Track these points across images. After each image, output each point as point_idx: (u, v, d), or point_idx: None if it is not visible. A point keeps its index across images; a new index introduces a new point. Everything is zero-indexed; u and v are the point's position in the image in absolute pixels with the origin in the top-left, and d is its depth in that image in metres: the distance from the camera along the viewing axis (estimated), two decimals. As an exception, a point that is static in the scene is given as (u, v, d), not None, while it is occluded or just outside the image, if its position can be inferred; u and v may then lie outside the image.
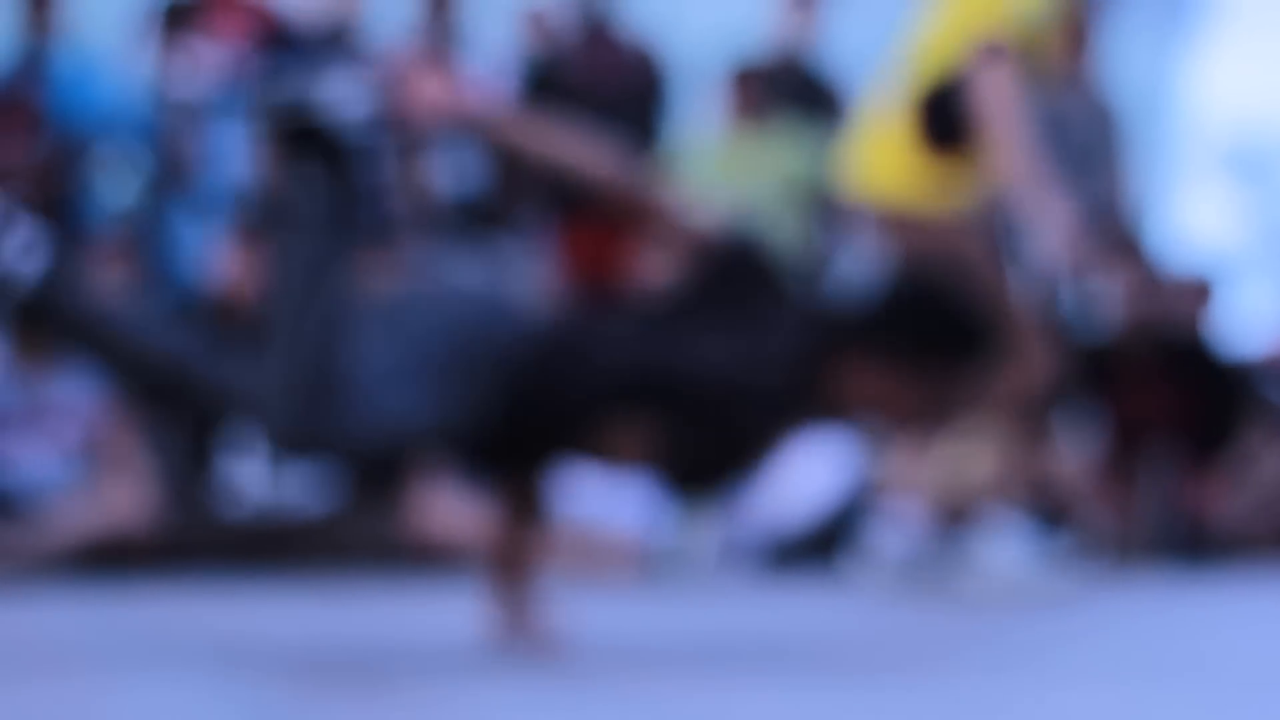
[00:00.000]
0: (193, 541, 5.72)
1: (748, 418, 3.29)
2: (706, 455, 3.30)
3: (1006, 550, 5.20)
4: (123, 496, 5.70)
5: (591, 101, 7.26)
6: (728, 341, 3.28)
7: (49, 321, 3.31)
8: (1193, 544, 6.07)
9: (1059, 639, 3.57)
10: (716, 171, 7.12)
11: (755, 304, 3.32)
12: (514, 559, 3.50)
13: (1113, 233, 7.72)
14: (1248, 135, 26.44)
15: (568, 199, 7.30)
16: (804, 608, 4.55)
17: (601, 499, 6.05)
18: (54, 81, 7.16)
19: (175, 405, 3.48)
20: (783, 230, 7.14)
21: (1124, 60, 10.40)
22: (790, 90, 7.55)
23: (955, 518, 5.33)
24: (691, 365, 3.27)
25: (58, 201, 6.99)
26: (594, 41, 7.38)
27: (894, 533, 5.27)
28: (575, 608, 4.31)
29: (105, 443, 5.85)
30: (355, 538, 5.75)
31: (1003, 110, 4.74)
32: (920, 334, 3.31)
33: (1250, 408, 6.50)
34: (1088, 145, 7.78)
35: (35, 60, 7.18)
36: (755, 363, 3.28)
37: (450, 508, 5.75)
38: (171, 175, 7.08)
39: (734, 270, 3.35)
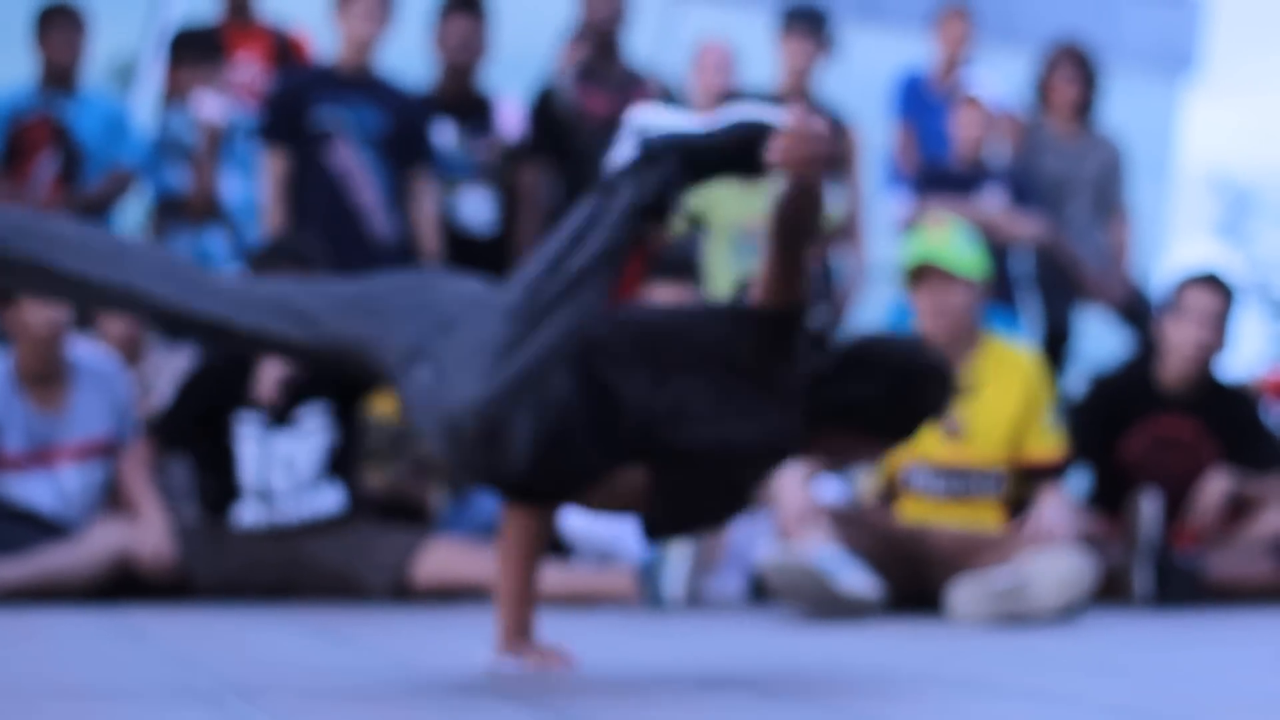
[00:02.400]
0: (202, 579, 5.78)
1: (733, 477, 3.44)
2: (688, 507, 3.45)
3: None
4: (141, 531, 5.74)
5: (614, 132, 7.33)
6: (728, 404, 3.38)
7: None
8: (1190, 587, 6.09)
9: (1051, 677, 3.62)
10: (732, 194, 7.19)
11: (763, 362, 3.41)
12: (525, 584, 3.63)
13: (1121, 279, 7.80)
14: (1233, 181, 26.53)
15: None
16: (785, 634, 4.60)
17: (604, 523, 6.12)
18: (76, 109, 7.18)
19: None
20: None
21: (1125, 112, 10.48)
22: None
23: None
24: (689, 429, 3.36)
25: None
26: (609, 72, 7.42)
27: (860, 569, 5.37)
28: (574, 633, 4.38)
29: (122, 478, 5.88)
30: (363, 576, 5.81)
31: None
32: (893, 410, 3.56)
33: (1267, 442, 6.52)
34: (1100, 190, 7.88)
35: (57, 90, 7.19)
36: (751, 429, 3.38)
37: (451, 550, 5.83)
38: (194, 199, 7.10)
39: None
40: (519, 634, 3.63)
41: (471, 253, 7.11)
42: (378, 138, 6.92)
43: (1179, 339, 6.39)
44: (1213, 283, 6.42)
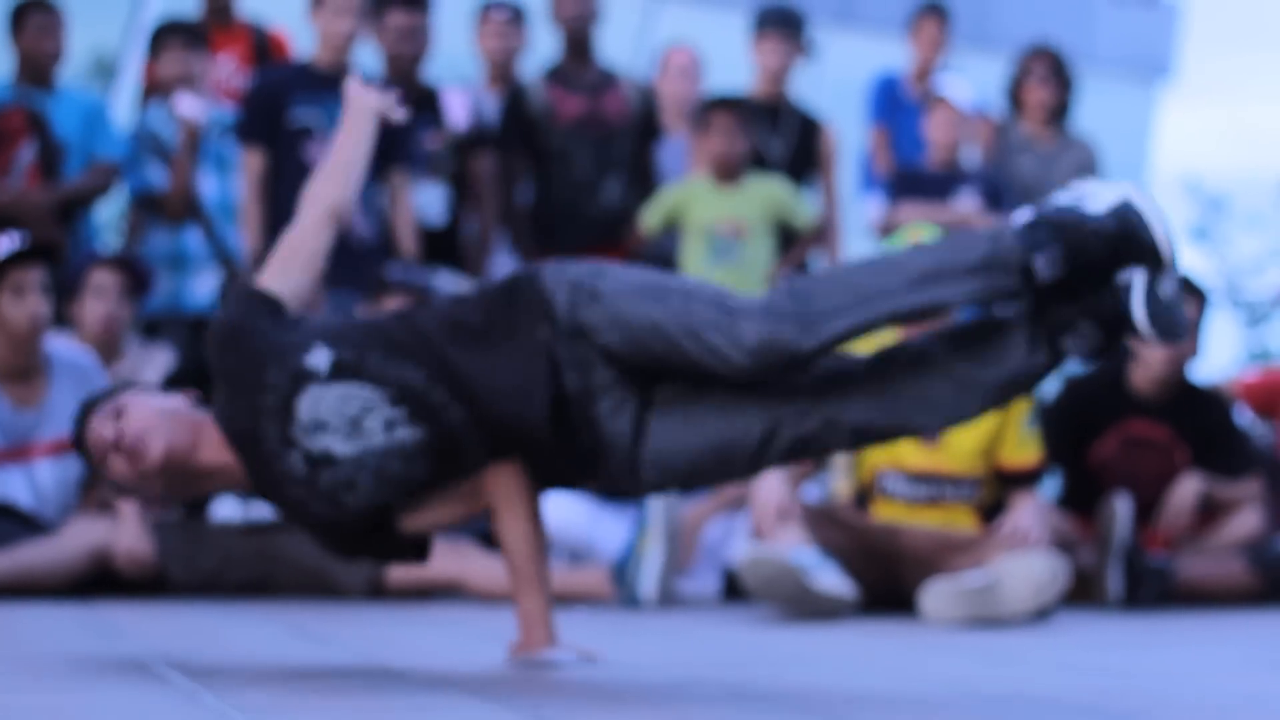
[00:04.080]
0: (178, 575, 5.78)
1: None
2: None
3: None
4: (118, 528, 5.74)
5: (586, 132, 7.34)
6: None
7: None
8: (1160, 589, 6.10)
9: (1022, 677, 3.64)
10: (708, 195, 7.20)
11: None
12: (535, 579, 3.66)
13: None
14: (1206, 185, 26.66)
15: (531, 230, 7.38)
16: (759, 633, 4.62)
17: (583, 524, 6.13)
18: (54, 104, 7.15)
19: None
20: (764, 251, 7.24)
21: (1099, 116, 10.51)
22: (772, 125, 7.65)
23: None
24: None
25: (67, 222, 6.99)
26: (581, 73, 7.43)
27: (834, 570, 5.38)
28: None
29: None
30: (338, 574, 5.82)
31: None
32: None
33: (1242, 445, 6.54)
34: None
35: (33, 87, 7.16)
36: None
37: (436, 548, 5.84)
38: (172, 197, 7.08)
39: None
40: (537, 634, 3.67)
41: (427, 245, 7.11)
42: (354, 136, 6.90)
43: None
44: (1185, 287, 6.45)
